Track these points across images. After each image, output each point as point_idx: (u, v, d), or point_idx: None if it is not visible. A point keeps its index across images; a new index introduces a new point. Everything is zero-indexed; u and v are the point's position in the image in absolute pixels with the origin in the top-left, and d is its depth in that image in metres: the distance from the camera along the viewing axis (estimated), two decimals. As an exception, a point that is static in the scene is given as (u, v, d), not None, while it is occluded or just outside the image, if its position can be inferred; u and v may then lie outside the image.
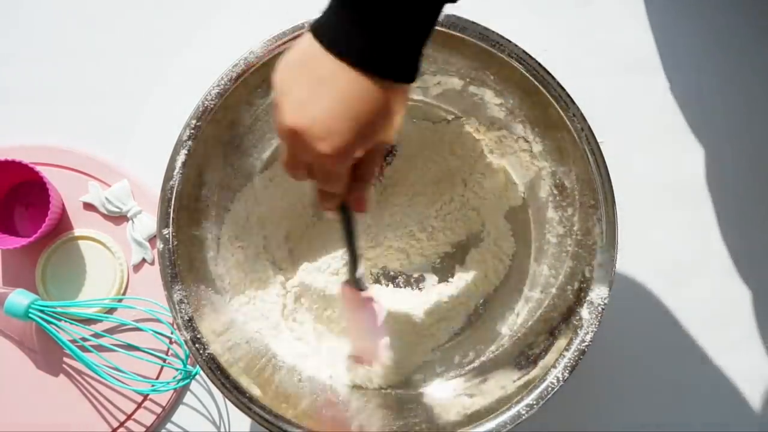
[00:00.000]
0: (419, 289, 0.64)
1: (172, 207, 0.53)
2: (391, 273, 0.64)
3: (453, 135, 0.63)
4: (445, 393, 0.58)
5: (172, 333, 0.65)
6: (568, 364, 0.53)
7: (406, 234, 0.63)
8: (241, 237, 0.60)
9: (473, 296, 0.63)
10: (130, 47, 0.70)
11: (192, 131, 0.54)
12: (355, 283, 0.53)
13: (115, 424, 0.65)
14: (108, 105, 0.69)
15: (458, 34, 0.54)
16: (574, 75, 0.57)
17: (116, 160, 0.68)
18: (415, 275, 0.64)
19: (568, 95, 0.54)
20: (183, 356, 0.63)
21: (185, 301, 0.53)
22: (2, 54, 0.70)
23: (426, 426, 0.55)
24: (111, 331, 0.65)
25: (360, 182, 0.45)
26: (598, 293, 0.54)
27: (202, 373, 0.65)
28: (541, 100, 0.55)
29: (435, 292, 0.63)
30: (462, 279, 0.63)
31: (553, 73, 0.54)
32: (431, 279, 0.64)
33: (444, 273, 0.64)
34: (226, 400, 0.58)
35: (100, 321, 0.65)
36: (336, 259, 0.63)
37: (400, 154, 0.64)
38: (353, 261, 0.52)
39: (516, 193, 0.63)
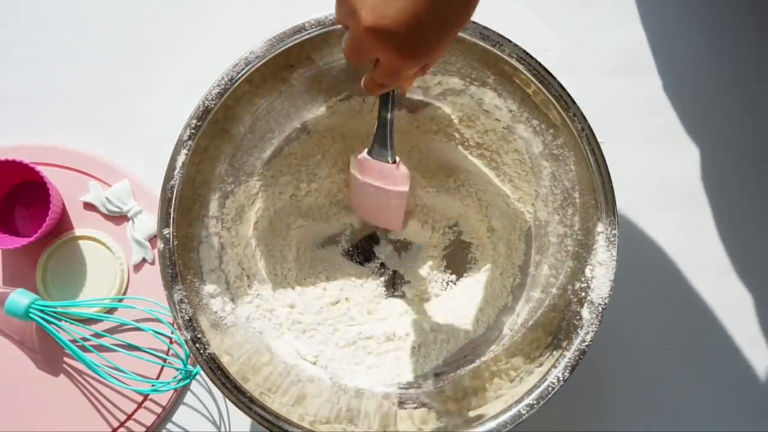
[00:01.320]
0: (425, 299, 0.65)
1: (173, 207, 0.53)
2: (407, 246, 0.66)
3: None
4: (446, 392, 0.58)
5: (172, 333, 0.65)
6: (569, 364, 0.53)
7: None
8: (241, 236, 0.60)
9: (475, 314, 0.63)
10: (131, 47, 0.70)
11: (192, 131, 0.54)
12: (385, 154, 0.54)
13: (116, 424, 0.65)
14: (108, 105, 0.69)
15: (459, 33, 0.54)
16: (574, 75, 0.57)
17: (116, 160, 0.68)
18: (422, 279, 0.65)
19: (569, 95, 0.54)
20: (183, 356, 0.63)
21: (185, 300, 0.53)
22: (2, 54, 0.70)
23: (426, 426, 0.55)
24: (111, 331, 0.65)
25: (420, 72, 0.43)
26: (598, 293, 0.54)
27: (202, 372, 0.65)
28: (542, 100, 0.55)
29: (439, 306, 0.64)
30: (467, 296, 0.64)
31: (553, 73, 0.54)
32: (437, 286, 0.65)
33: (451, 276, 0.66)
34: (227, 400, 0.58)
35: (101, 321, 0.65)
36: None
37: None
38: (390, 130, 0.52)
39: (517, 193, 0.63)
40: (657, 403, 0.67)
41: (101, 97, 0.69)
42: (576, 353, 0.53)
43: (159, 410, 0.65)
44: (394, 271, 0.66)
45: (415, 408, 0.58)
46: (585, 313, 0.54)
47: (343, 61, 0.57)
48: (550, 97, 0.54)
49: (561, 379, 0.53)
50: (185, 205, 0.54)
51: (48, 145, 0.68)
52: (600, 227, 0.54)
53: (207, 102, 0.54)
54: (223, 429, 0.66)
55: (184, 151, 0.54)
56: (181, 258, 0.54)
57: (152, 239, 0.67)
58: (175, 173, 0.54)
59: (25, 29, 0.70)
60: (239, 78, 0.54)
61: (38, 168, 0.62)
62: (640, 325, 0.67)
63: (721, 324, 0.68)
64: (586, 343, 0.53)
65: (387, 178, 0.56)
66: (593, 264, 0.54)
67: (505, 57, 0.54)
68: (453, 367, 0.61)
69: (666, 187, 0.69)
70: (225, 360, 0.53)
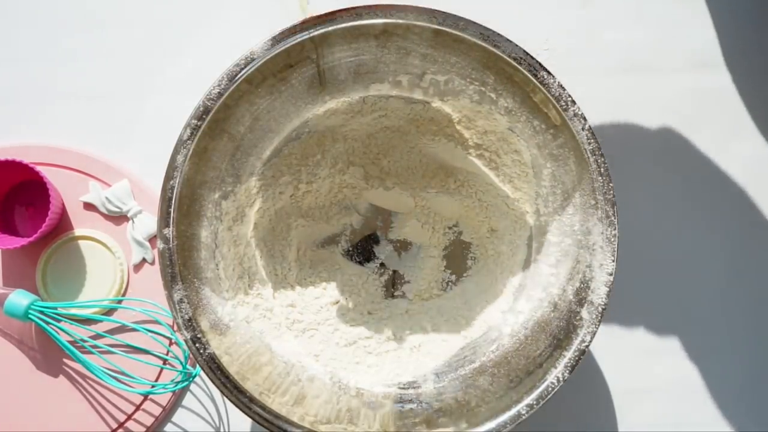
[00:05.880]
0: (423, 299, 0.65)
1: (173, 206, 0.53)
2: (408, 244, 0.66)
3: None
4: (445, 393, 0.58)
5: (171, 334, 0.65)
6: (568, 364, 0.53)
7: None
8: (241, 236, 0.60)
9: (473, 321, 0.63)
10: (131, 47, 0.70)
11: (192, 131, 0.54)
12: None
13: (115, 425, 0.65)
14: (108, 105, 0.69)
15: (458, 33, 0.54)
16: (574, 75, 0.57)
17: (116, 160, 0.68)
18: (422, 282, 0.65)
19: (569, 95, 0.54)
20: (183, 358, 0.63)
21: (185, 300, 0.53)
22: (2, 54, 0.70)
23: (426, 426, 0.55)
24: (111, 332, 0.65)
25: None
26: (598, 293, 0.54)
27: (201, 373, 0.65)
28: (542, 100, 0.55)
29: (439, 306, 0.64)
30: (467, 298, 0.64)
31: (553, 73, 0.54)
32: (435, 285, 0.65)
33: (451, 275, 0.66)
34: (226, 400, 0.58)
35: (100, 322, 0.65)
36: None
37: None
38: None
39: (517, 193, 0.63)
40: (656, 403, 0.67)
41: (101, 97, 0.69)
42: (576, 353, 0.53)
43: (158, 411, 0.65)
44: (394, 271, 0.66)
45: (415, 407, 0.57)
46: (585, 313, 0.54)
47: (344, 61, 0.57)
48: (550, 97, 0.54)
49: (561, 379, 0.53)
50: (185, 205, 0.55)
51: (48, 145, 0.68)
52: (600, 227, 0.54)
53: (207, 102, 0.54)
54: (222, 430, 0.66)
55: (184, 151, 0.54)
56: (181, 258, 0.54)
57: (152, 239, 0.67)
58: (175, 173, 0.54)
59: (24, 29, 0.70)
60: (239, 78, 0.54)
61: (38, 168, 0.62)
62: (640, 325, 0.67)
63: (721, 324, 0.68)
64: (586, 343, 0.53)
65: None
66: (593, 264, 0.54)
67: (505, 57, 0.54)
68: (453, 367, 0.61)
69: (666, 186, 0.69)
70: (225, 360, 0.53)
